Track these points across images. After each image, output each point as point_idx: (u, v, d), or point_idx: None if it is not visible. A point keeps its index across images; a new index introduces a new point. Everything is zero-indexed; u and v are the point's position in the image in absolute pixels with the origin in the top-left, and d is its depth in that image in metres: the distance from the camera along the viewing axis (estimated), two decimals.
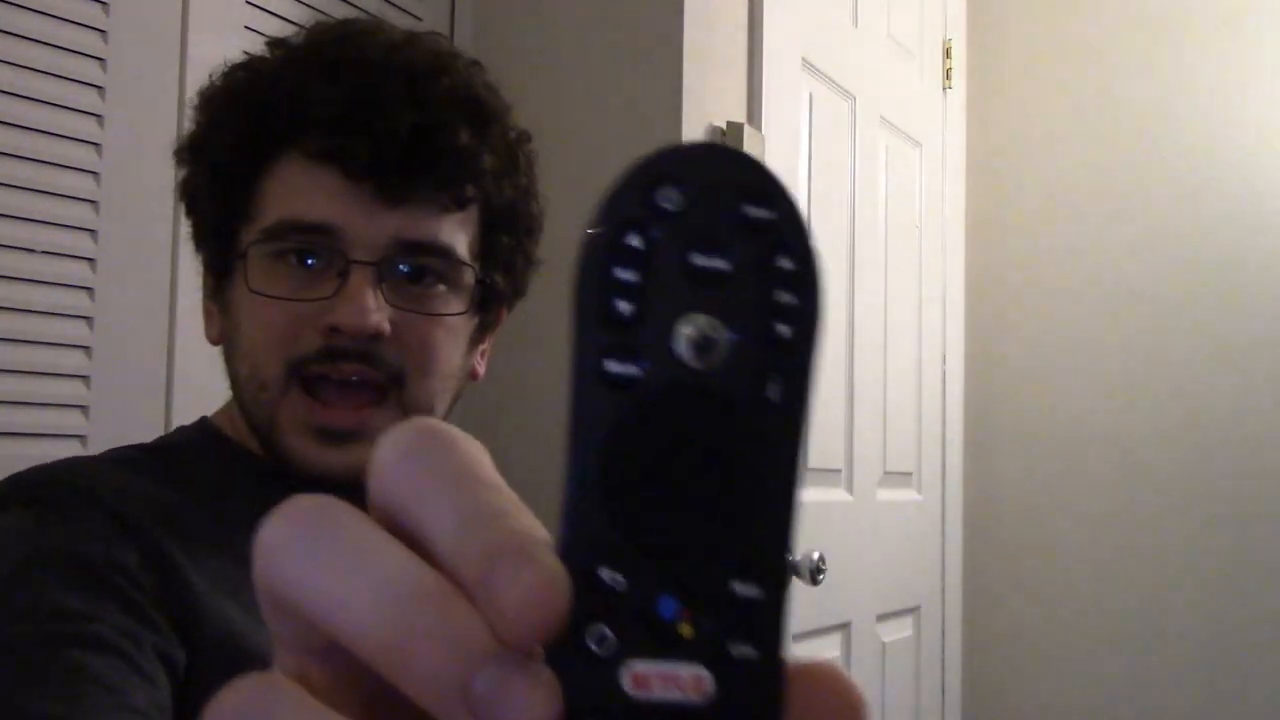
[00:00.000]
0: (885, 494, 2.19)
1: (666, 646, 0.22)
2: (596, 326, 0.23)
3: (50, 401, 1.20)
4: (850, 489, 2.05)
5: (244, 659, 0.70)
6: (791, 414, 0.23)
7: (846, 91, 2.06)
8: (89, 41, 1.23)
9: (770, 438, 0.23)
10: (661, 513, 0.22)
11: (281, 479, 0.79)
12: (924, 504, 2.39)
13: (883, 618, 2.19)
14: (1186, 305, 2.39)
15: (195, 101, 0.82)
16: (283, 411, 0.75)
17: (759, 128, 1.72)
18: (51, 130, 1.19)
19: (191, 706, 0.67)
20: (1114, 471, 2.43)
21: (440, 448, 0.23)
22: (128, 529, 0.69)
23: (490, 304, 0.83)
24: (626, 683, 0.22)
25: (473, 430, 0.24)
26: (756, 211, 0.23)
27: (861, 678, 2.08)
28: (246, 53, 0.82)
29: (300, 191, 0.76)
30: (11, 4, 1.16)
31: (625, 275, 0.23)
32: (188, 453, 0.81)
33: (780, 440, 0.23)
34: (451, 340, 0.79)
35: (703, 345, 0.23)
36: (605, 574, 0.22)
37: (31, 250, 1.18)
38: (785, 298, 0.23)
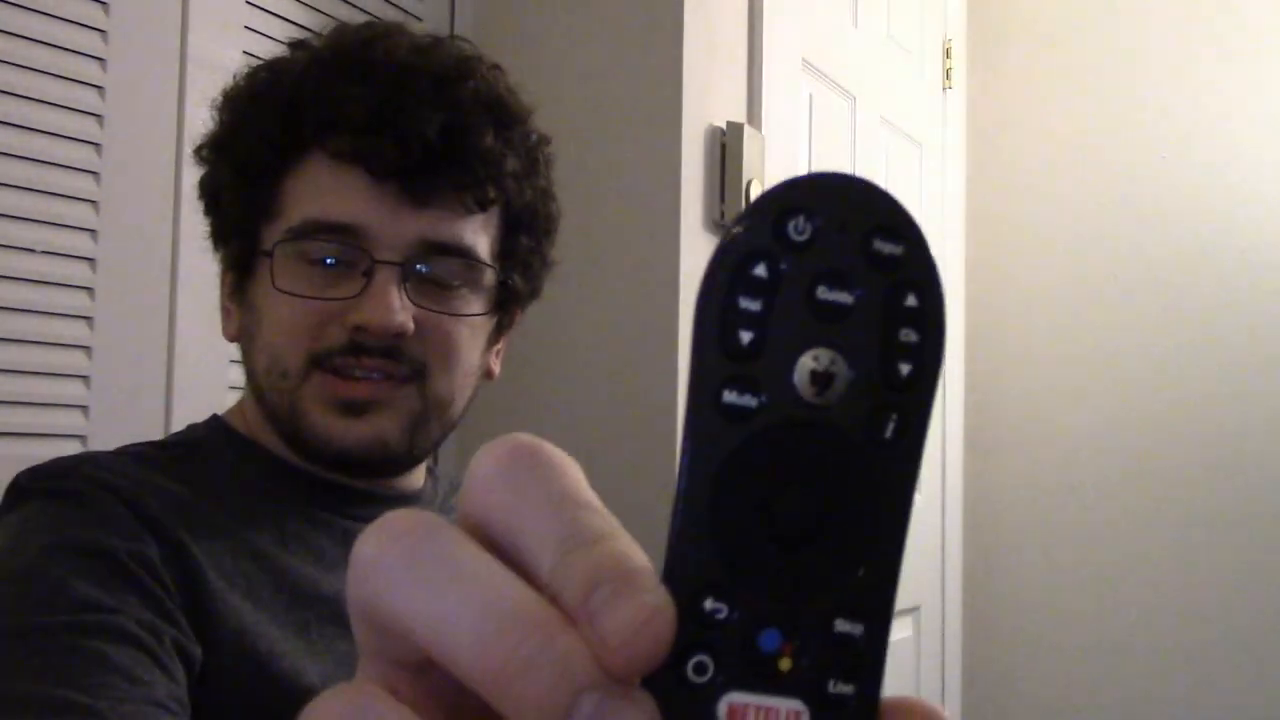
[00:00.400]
0: None
1: (765, 679, 0.22)
2: (717, 355, 0.23)
3: (50, 401, 1.20)
4: None
5: (255, 660, 0.71)
6: (906, 454, 0.23)
7: (846, 91, 2.06)
8: (89, 41, 1.23)
9: (883, 478, 0.23)
10: (769, 546, 0.22)
11: (295, 473, 0.80)
12: (924, 504, 2.39)
13: None
14: (1187, 305, 2.39)
15: (218, 101, 0.82)
16: (304, 392, 0.76)
17: (759, 128, 1.72)
18: (51, 130, 1.19)
19: (206, 703, 0.68)
20: (1114, 471, 2.43)
21: (540, 466, 0.23)
22: (148, 524, 0.70)
23: (508, 304, 0.85)
24: (723, 713, 0.22)
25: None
26: (885, 247, 0.23)
27: None
28: (246, 53, 0.82)
29: (326, 191, 0.77)
30: (11, 4, 1.16)
31: (750, 305, 0.23)
32: (202, 449, 0.82)
33: (893, 481, 0.23)
34: (472, 339, 0.81)
35: (822, 380, 0.22)
36: (709, 604, 0.22)
37: (31, 250, 1.18)
38: (908, 336, 0.23)
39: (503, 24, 1.74)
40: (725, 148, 1.65)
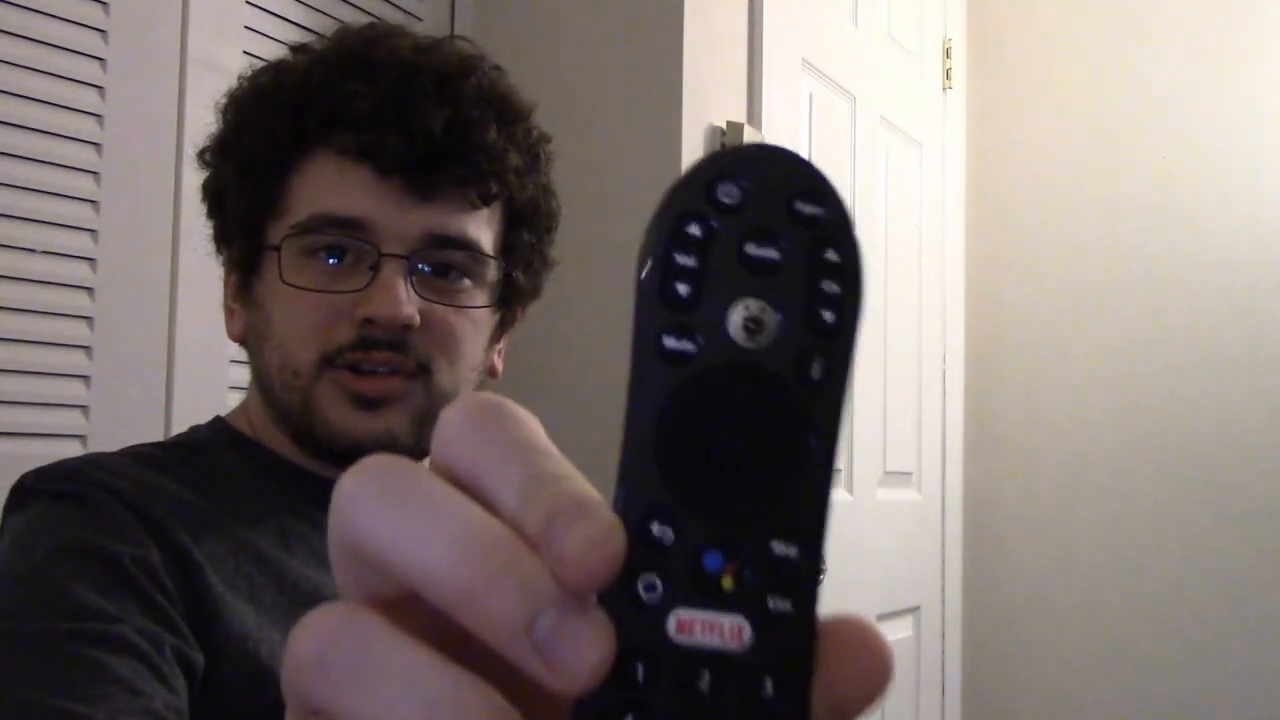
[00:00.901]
0: (885, 494, 2.19)
1: (710, 597, 0.24)
2: (657, 306, 0.25)
3: (50, 401, 1.20)
4: (850, 489, 2.05)
5: (256, 664, 0.71)
6: (832, 392, 0.25)
7: (846, 91, 2.06)
8: (89, 41, 1.23)
9: (812, 412, 0.25)
10: (710, 476, 0.24)
11: (299, 474, 0.81)
12: (924, 504, 2.39)
13: (883, 618, 2.19)
14: (1187, 304, 2.39)
15: (221, 104, 0.83)
16: (318, 389, 0.77)
17: (759, 128, 1.73)
18: (51, 130, 1.19)
19: (210, 708, 0.68)
20: (1114, 471, 2.43)
21: (502, 418, 0.26)
22: (151, 527, 0.70)
23: (510, 300, 0.86)
24: (672, 628, 0.24)
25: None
26: (807, 207, 0.25)
27: None
28: (246, 53, 0.83)
29: (333, 187, 0.78)
30: (11, 4, 1.16)
31: (685, 261, 0.25)
32: (205, 450, 0.82)
33: (821, 415, 0.25)
34: (476, 333, 0.81)
35: (752, 327, 0.25)
36: (656, 529, 0.24)
37: (31, 250, 1.18)
38: (830, 287, 0.25)
39: (503, 24, 1.74)
40: (725, 148, 1.65)
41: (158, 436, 1.24)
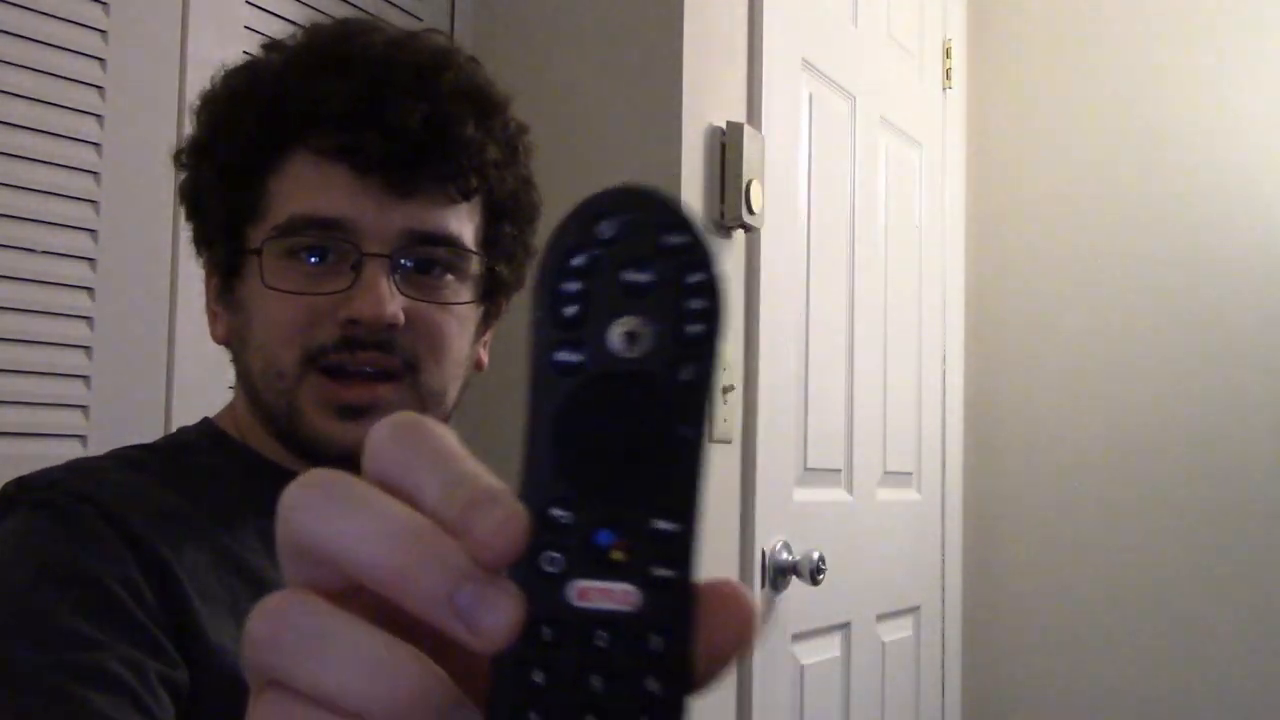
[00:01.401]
0: (885, 494, 2.19)
1: (603, 568, 0.28)
2: (549, 325, 0.29)
3: (50, 401, 1.20)
4: (850, 489, 2.05)
5: (236, 678, 0.71)
6: (700, 391, 0.29)
7: (846, 91, 2.06)
8: (89, 41, 1.23)
9: (683, 409, 0.29)
10: (599, 466, 0.29)
11: (285, 476, 0.79)
12: (924, 504, 2.39)
13: (883, 618, 2.19)
14: (1187, 304, 2.39)
15: (195, 105, 0.82)
16: (301, 394, 0.76)
17: (759, 128, 1.73)
18: (51, 130, 1.19)
19: None
20: (1114, 471, 2.43)
21: (421, 431, 0.30)
22: (131, 542, 0.70)
23: (494, 293, 0.85)
24: (572, 596, 0.28)
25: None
26: (672, 238, 0.29)
27: (862, 677, 2.08)
28: (246, 53, 0.82)
29: (312, 187, 0.77)
30: (11, 4, 1.16)
31: (572, 287, 0.29)
32: (191, 451, 0.82)
33: (691, 411, 0.29)
34: (461, 329, 0.81)
35: (630, 339, 0.29)
36: (555, 512, 0.28)
37: (31, 250, 1.18)
38: (694, 304, 0.29)
39: (503, 24, 1.74)
40: (725, 148, 1.65)
41: (157, 436, 1.24)
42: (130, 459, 0.79)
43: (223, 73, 0.82)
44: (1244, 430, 2.32)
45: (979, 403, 2.57)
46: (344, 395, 0.76)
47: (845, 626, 2.03)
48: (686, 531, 0.28)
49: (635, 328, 0.29)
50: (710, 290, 0.29)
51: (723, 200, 1.64)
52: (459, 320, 0.81)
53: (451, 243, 0.79)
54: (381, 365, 0.77)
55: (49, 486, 0.73)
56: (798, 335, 1.88)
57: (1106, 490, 2.44)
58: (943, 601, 2.46)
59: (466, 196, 0.80)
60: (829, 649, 1.98)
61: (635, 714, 0.28)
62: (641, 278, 0.29)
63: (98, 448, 1.20)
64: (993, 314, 2.58)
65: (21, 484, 0.74)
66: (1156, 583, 2.38)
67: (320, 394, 0.76)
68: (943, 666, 2.46)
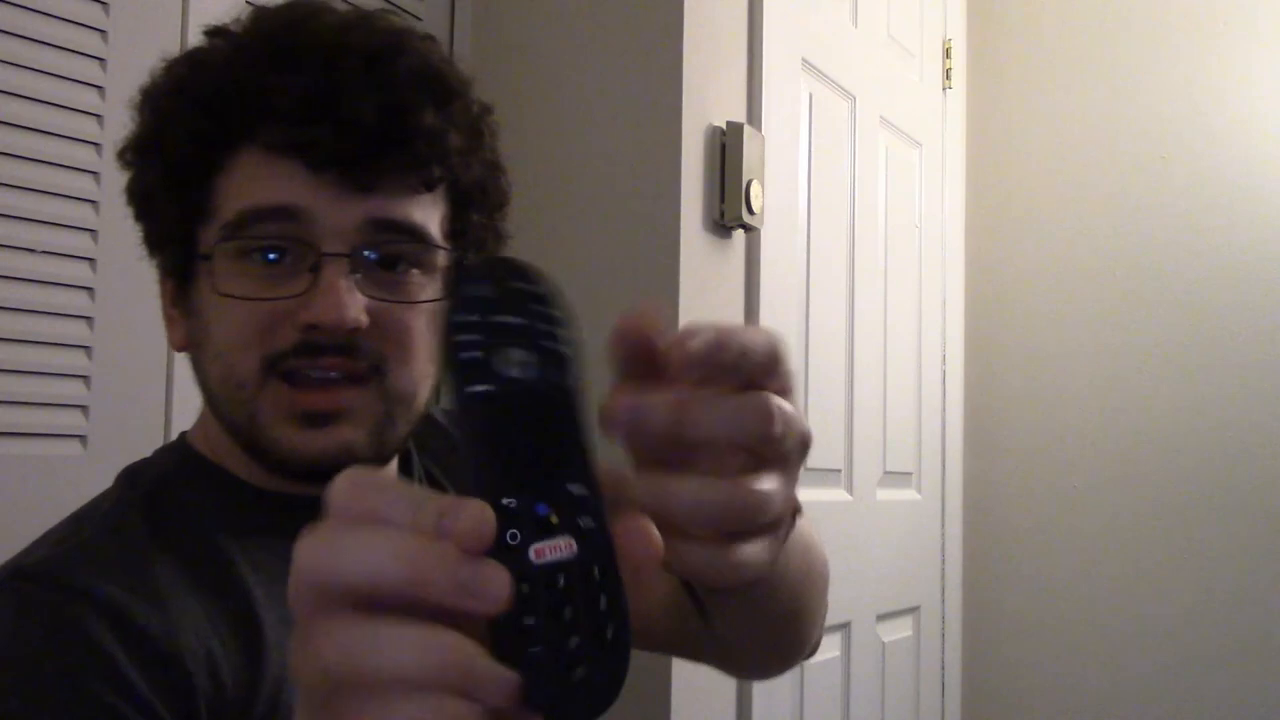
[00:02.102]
0: (885, 494, 2.19)
1: (547, 530, 0.38)
2: (460, 368, 0.39)
3: (50, 401, 1.20)
4: (850, 489, 2.05)
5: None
6: (576, 391, 0.40)
7: (846, 91, 2.06)
8: (89, 41, 1.23)
9: (568, 406, 0.40)
10: (525, 460, 0.39)
11: (264, 499, 0.77)
12: (924, 504, 2.39)
13: (883, 618, 2.19)
14: (1187, 305, 2.39)
15: (135, 100, 0.77)
16: (262, 403, 0.73)
17: (759, 128, 1.72)
18: (51, 130, 1.19)
19: None
20: (1114, 471, 2.43)
21: (368, 478, 0.39)
22: (134, 643, 0.66)
23: None
24: (532, 556, 0.38)
25: None
26: (529, 288, 0.40)
27: (862, 677, 2.08)
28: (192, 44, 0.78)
29: (261, 180, 0.73)
30: (11, 4, 1.16)
31: (470, 337, 0.39)
32: (171, 485, 0.77)
33: (574, 406, 0.40)
34: (430, 326, 0.77)
35: (520, 366, 0.39)
36: (506, 501, 0.38)
37: (31, 250, 1.18)
38: (554, 330, 0.40)
39: (503, 24, 1.74)
40: (725, 148, 1.65)
41: (158, 436, 1.24)
42: (113, 522, 0.74)
43: (163, 64, 0.78)
44: (1244, 430, 2.32)
45: (979, 403, 2.57)
46: (304, 402, 0.72)
47: (845, 626, 2.03)
48: (593, 490, 0.39)
49: (521, 358, 0.39)
50: (565, 321, 0.40)
51: (723, 200, 1.64)
52: (427, 317, 0.76)
53: (415, 234, 0.75)
54: (346, 370, 0.73)
55: (41, 578, 0.68)
56: (798, 335, 1.88)
57: (1106, 490, 2.44)
58: (943, 601, 2.46)
59: (430, 187, 0.76)
60: (829, 649, 1.98)
61: (598, 626, 0.38)
62: (516, 320, 0.39)
63: (97, 448, 1.20)
64: (993, 314, 2.58)
65: (17, 572, 0.69)
66: (1156, 582, 2.38)
67: (281, 402, 0.73)
68: (943, 666, 2.46)
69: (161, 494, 0.76)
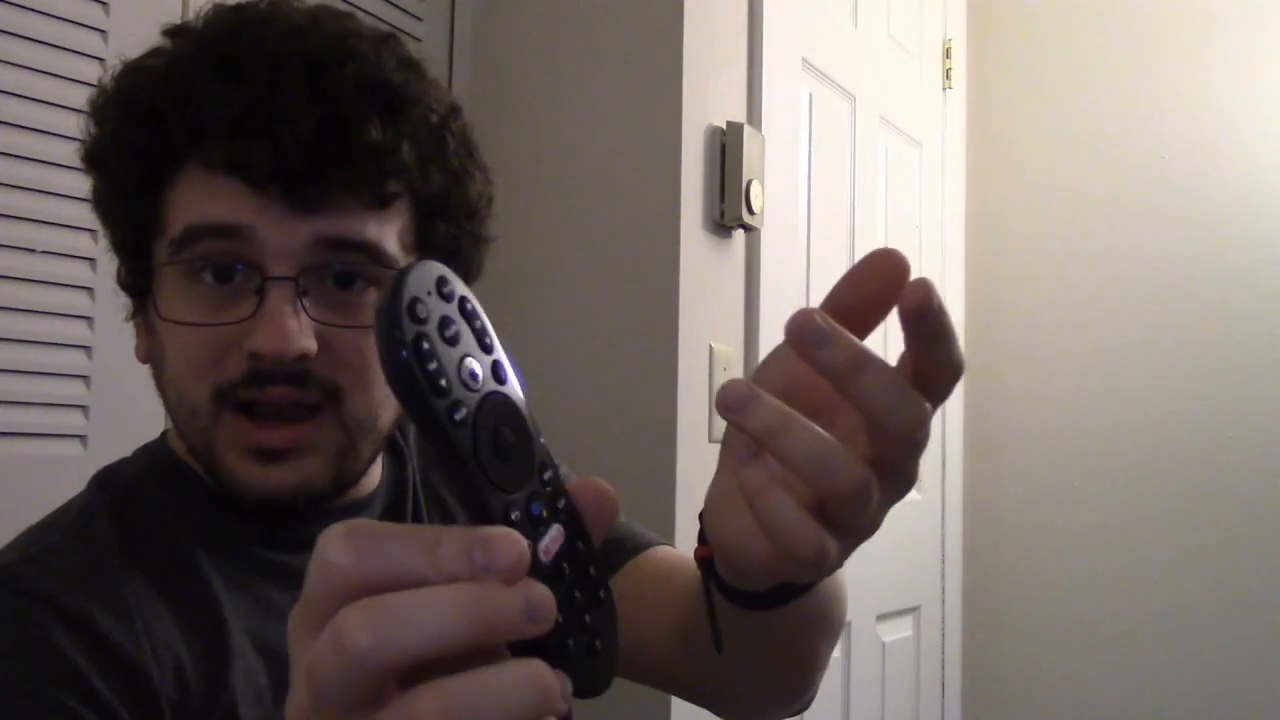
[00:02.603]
0: None
1: (543, 526, 0.40)
2: (434, 398, 0.37)
3: (50, 401, 1.20)
4: None
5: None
6: (512, 379, 0.41)
7: (846, 91, 2.06)
8: (89, 41, 1.23)
9: (513, 398, 0.40)
10: (511, 470, 0.39)
11: (237, 508, 0.75)
12: (924, 504, 2.39)
13: (883, 618, 2.19)
14: (1187, 304, 2.39)
15: (87, 108, 0.75)
16: (218, 434, 0.71)
17: (759, 128, 1.72)
18: (51, 130, 1.19)
19: None
20: (1114, 471, 2.43)
21: (367, 531, 0.37)
22: (97, 651, 0.65)
23: None
24: (542, 557, 0.39)
25: None
26: (447, 290, 0.39)
27: (862, 677, 2.08)
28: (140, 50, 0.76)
29: (204, 198, 0.69)
30: (11, 4, 1.16)
31: (432, 365, 0.37)
32: (143, 489, 0.76)
33: (515, 395, 0.40)
34: None
35: (474, 375, 0.39)
36: (513, 515, 0.39)
37: (31, 250, 1.18)
38: (478, 325, 0.40)
39: (503, 25, 1.74)
40: (725, 148, 1.65)
41: (157, 436, 1.24)
42: (81, 528, 0.73)
43: (111, 73, 0.75)
44: (1245, 429, 2.32)
45: (979, 403, 2.57)
46: (258, 438, 0.70)
47: (845, 626, 2.03)
48: (549, 464, 0.41)
49: (472, 366, 0.39)
50: (475, 309, 0.40)
51: (723, 200, 1.64)
52: None
53: (368, 250, 0.70)
54: (295, 400, 0.69)
55: (4, 585, 0.67)
56: None
57: (1107, 490, 2.44)
58: (943, 601, 2.46)
59: (383, 203, 0.71)
60: None
61: (597, 595, 0.41)
62: (456, 329, 0.38)
63: (97, 448, 1.20)
64: (993, 314, 2.58)
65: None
66: (1157, 582, 2.38)
67: (235, 436, 0.70)
68: (943, 666, 2.46)
69: (132, 499, 0.75)
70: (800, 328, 0.43)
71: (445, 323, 0.38)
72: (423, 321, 0.37)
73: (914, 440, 0.46)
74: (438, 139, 0.74)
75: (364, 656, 0.34)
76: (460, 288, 0.40)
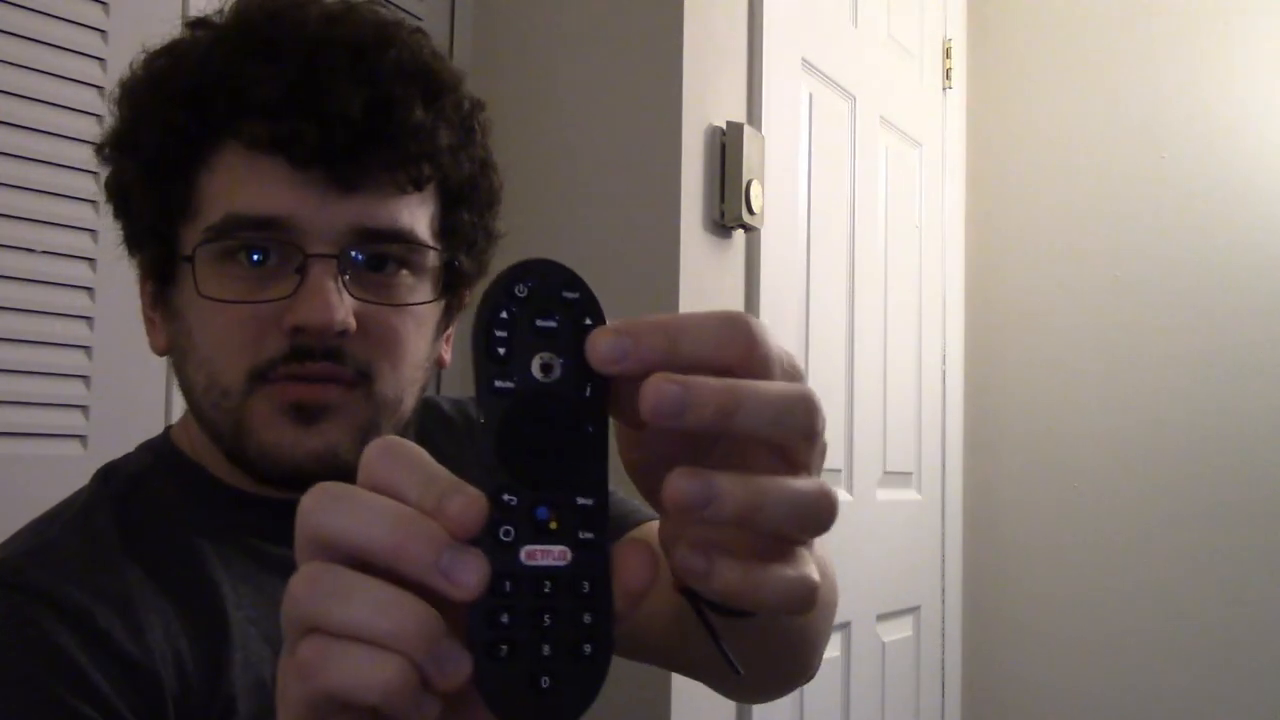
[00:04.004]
0: (885, 494, 2.19)
1: (543, 535, 0.38)
2: (487, 361, 0.39)
3: (50, 401, 1.20)
4: (850, 489, 2.05)
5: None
6: (599, 402, 0.40)
7: (846, 91, 2.06)
8: (89, 41, 1.23)
9: (588, 416, 0.39)
10: (534, 461, 0.39)
11: (242, 502, 0.76)
12: (924, 504, 2.39)
13: (883, 618, 2.19)
14: (1186, 304, 2.39)
15: (114, 93, 0.75)
16: (249, 409, 0.71)
17: (759, 128, 1.72)
18: (51, 130, 1.19)
19: None
20: (1114, 471, 2.43)
21: (400, 447, 0.39)
22: (95, 644, 0.65)
23: (455, 286, 0.79)
24: (523, 557, 0.38)
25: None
26: (569, 294, 0.40)
27: (862, 677, 2.08)
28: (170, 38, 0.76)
29: (246, 183, 0.70)
30: (11, 4, 1.16)
31: (501, 333, 0.39)
32: (146, 484, 0.76)
33: (594, 417, 0.40)
34: (419, 330, 0.75)
35: (546, 369, 0.39)
36: (506, 497, 0.38)
37: (31, 250, 1.18)
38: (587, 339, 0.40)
39: (503, 24, 1.74)
40: (725, 148, 1.65)
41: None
42: (82, 522, 0.72)
43: (143, 56, 0.76)
44: (1244, 429, 2.32)
45: (979, 403, 2.57)
46: (296, 393, 0.70)
47: (845, 626, 2.03)
48: (600, 504, 0.39)
49: (549, 360, 0.39)
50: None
51: (723, 200, 1.64)
52: (416, 320, 0.74)
53: (404, 238, 0.72)
54: (333, 376, 0.70)
55: (3, 580, 0.67)
56: (798, 335, 1.88)
57: (1106, 490, 2.44)
58: (943, 601, 2.46)
59: (418, 186, 0.73)
60: (829, 649, 1.98)
61: (576, 641, 0.38)
62: (549, 324, 0.39)
63: (97, 448, 1.20)
64: (993, 314, 2.58)
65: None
66: (1157, 582, 2.38)
67: (273, 398, 0.70)
68: (943, 666, 2.46)
69: (134, 493, 0.75)
70: (655, 407, 0.37)
71: (544, 311, 0.40)
72: (520, 299, 0.40)
73: (815, 435, 0.40)
74: (468, 127, 0.77)
75: (300, 518, 0.39)
76: (586, 293, 0.41)
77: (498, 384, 0.39)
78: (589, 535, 0.39)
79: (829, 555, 0.70)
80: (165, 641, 0.68)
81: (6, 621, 0.65)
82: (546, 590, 0.38)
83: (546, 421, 0.39)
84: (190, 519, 0.75)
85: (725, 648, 0.50)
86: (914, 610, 2.34)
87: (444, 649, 0.36)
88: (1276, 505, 2.29)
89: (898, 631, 2.25)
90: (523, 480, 0.38)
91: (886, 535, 2.20)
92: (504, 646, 0.38)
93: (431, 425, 0.90)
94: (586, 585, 0.38)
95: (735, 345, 0.39)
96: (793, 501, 0.38)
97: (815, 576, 0.41)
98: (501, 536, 0.38)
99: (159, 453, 0.79)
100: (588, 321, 0.40)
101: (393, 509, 0.37)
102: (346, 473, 0.75)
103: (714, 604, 0.47)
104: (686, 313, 0.40)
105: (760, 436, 0.39)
